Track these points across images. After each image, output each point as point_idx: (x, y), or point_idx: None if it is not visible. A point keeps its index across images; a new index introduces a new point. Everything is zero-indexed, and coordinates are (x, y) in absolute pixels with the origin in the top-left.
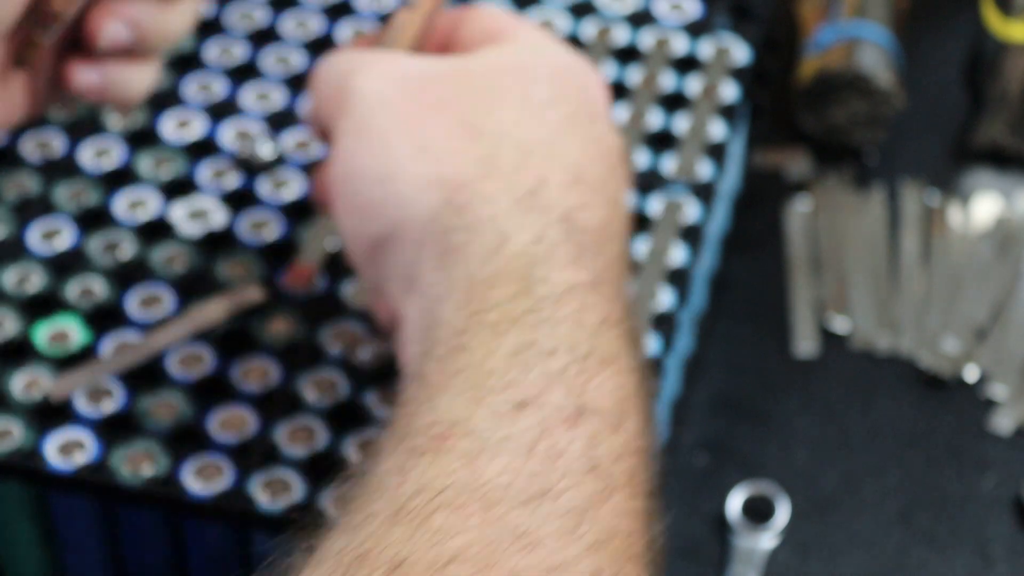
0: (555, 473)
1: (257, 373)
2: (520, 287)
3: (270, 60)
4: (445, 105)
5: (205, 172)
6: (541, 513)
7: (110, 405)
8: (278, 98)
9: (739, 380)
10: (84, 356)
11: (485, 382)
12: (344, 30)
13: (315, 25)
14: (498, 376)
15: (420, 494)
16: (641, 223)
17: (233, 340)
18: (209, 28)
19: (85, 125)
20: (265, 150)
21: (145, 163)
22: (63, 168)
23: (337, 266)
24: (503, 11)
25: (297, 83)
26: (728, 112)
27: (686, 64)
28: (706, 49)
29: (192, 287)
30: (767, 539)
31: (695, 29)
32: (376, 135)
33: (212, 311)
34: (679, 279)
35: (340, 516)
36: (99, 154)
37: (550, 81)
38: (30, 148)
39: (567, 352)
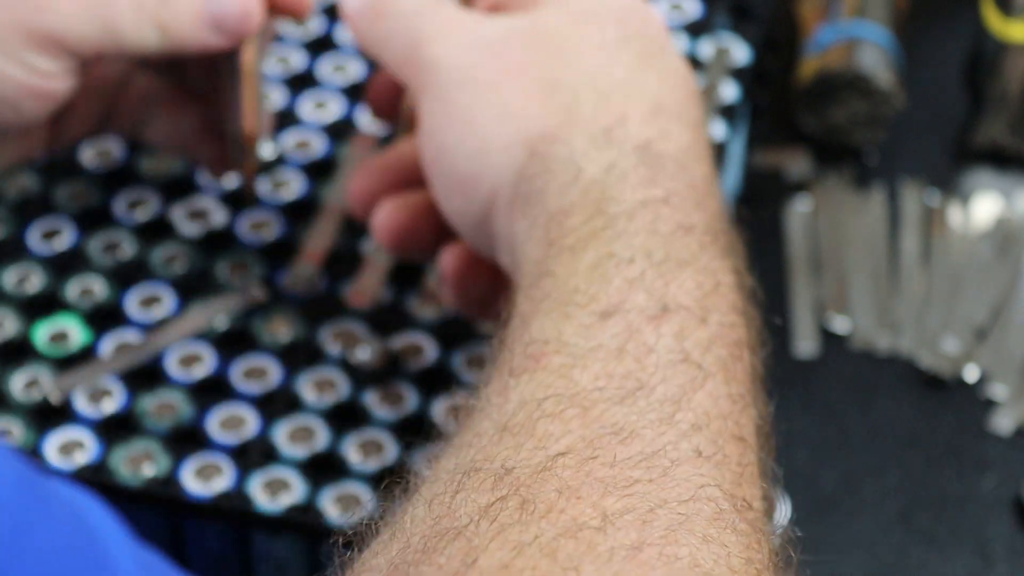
0: (647, 369)
1: (257, 373)
2: (594, 210)
3: (270, 60)
4: (522, 66)
5: (205, 172)
6: (638, 407)
7: (110, 405)
8: (278, 98)
9: None
10: (84, 356)
11: (571, 299)
12: (344, 30)
13: (315, 26)
14: (582, 291)
15: (522, 409)
16: None
17: (233, 340)
18: None
19: None
20: (265, 150)
21: (145, 163)
22: (63, 168)
23: (337, 266)
24: None
25: (297, 83)
26: (728, 112)
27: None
28: (706, 49)
29: (192, 287)
30: None
31: (695, 29)
32: (461, 111)
33: (212, 311)
34: None
35: (452, 438)
36: (99, 154)
37: (617, 23)
38: None
39: (644, 258)
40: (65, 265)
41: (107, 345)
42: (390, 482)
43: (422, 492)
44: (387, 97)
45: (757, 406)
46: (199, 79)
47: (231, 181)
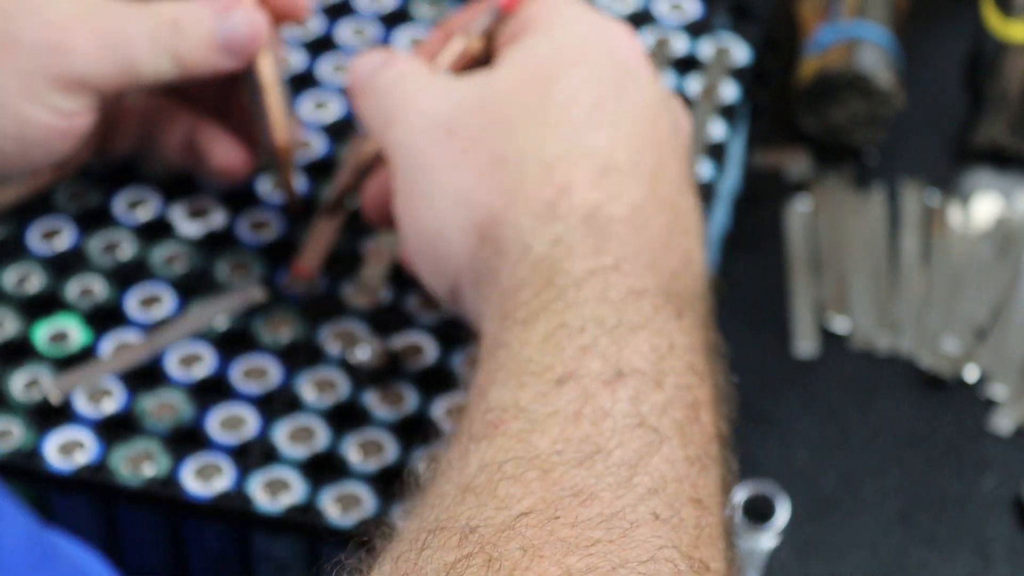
0: (603, 433)
1: (257, 373)
2: (544, 283)
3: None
4: (473, 143)
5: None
6: (596, 470)
7: (110, 405)
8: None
9: (739, 380)
10: (84, 356)
11: (526, 368)
12: (344, 30)
13: (315, 26)
14: (536, 361)
15: (483, 471)
16: None
17: (233, 340)
18: None
19: None
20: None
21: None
22: None
23: (337, 266)
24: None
25: (296, 83)
26: (728, 112)
27: (686, 64)
28: (706, 49)
29: (192, 287)
30: (767, 539)
31: (695, 29)
32: (420, 195)
33: (212, 311)
34: None
35: (415, 503)
36: None
37: (572, 71)
38: None
39: (595, 326)
40: (65, 265)
41: (107, 345)
42: (358, 540)
43: (388, 550)
44: (379, 204)
45: (718, 466)
46: (197, 92)
47: (276, 195)
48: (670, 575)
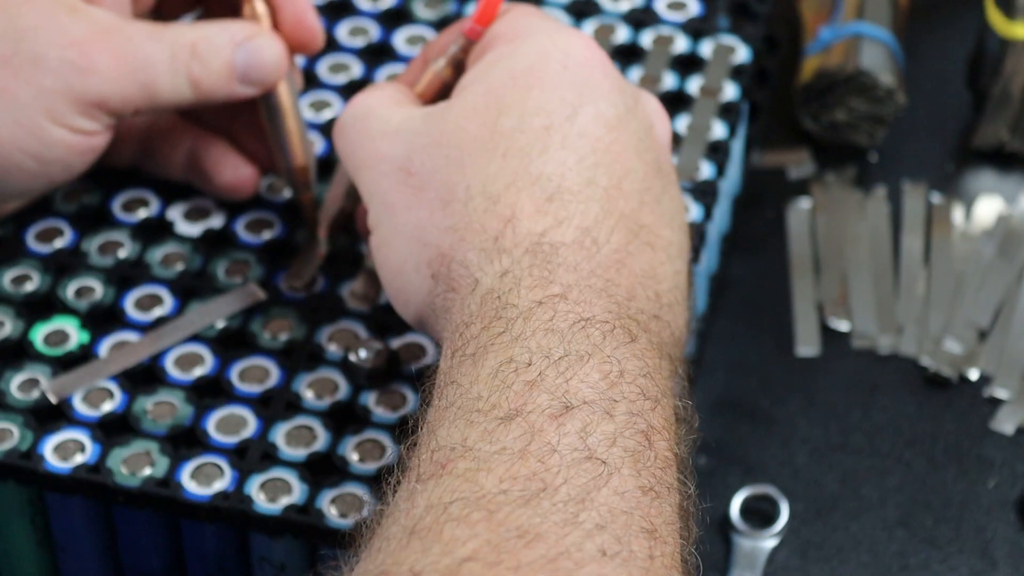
0: (550, 470)
1: (256, 373)
2: (492, 317)
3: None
4: (426, 182)
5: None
6: (542, 508)
7: (108, 406)
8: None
9: (740, 380)
10: (83, 357)
11: (474, 406)
12: (343, 30)
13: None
14: (484, 398)
15: (429, 513)
16: None
17: (233, 340)
18: None
19: None
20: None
21: None
22: None
23: (337, 266)
24: (510, 15)
25: None
26: (729, 112)
27: (686, 64)
28: (706, 48)
29: (191, 287)
30: (768, 540)
31: (695, 29)
32: (386, 235)
33: (211, 311)
34: None
35: (361, 546)
36: None
37: (523, 96)
38: None
39: (542, 359)
40: (64, 266)
41: (106, 346)
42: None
43: None
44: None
45: (673, 493)
46: (201, 109)
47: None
48: None
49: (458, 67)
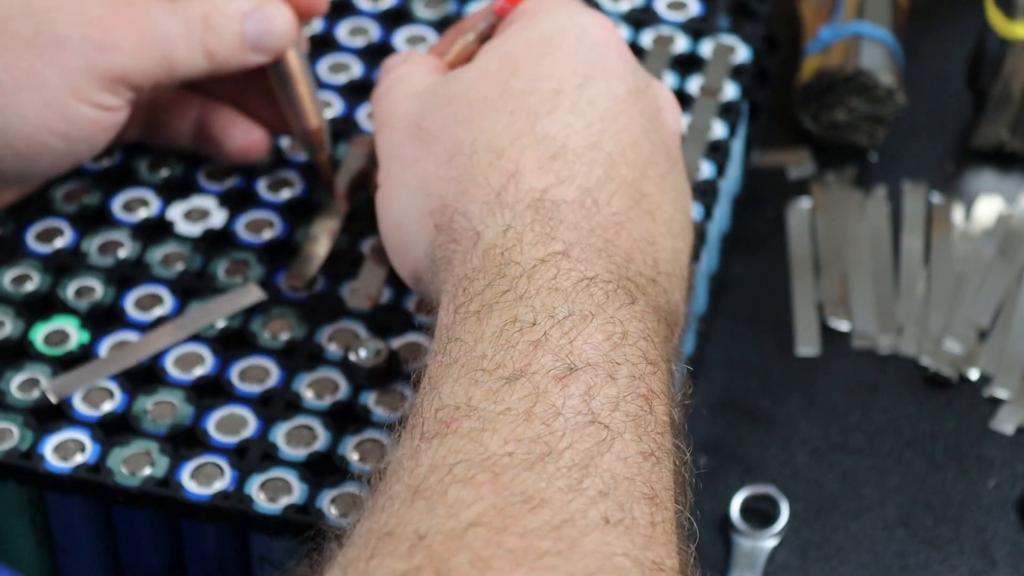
0: (555, 433)
1: (256, 373)
2: (495, 274)
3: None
4: (435, 136)
5: (204, 172)
6: (546, 473)
7: (108, 405)
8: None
9: (740, 380)
10: (83, 357)
11: (478, 364)
12: (343, 30)
13: (315, 26)
14: (488, 357)
15: (433, 473)
16: None
17: (232, 340)
18: None
19: None
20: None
21: (144, 163)
22: None
23: (337, 266)
24: None
25: None
26: (729, 111)
27: (686, 63)
28: (706, 48)
29: (191, 287)
30: (768, 540)
31: (695, 28)
32: (391, 187)
33: (211, 311)
34: None
35: (364, 503)
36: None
37: (537, 62)
38: None
39: (547, 319)
40: (64, 265)
41: (106, 346)
42: (307, 547)
43: (338, 557)
44: None
45: (671, 457)
46: (211, 81)
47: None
48: None
49: (485, 41)
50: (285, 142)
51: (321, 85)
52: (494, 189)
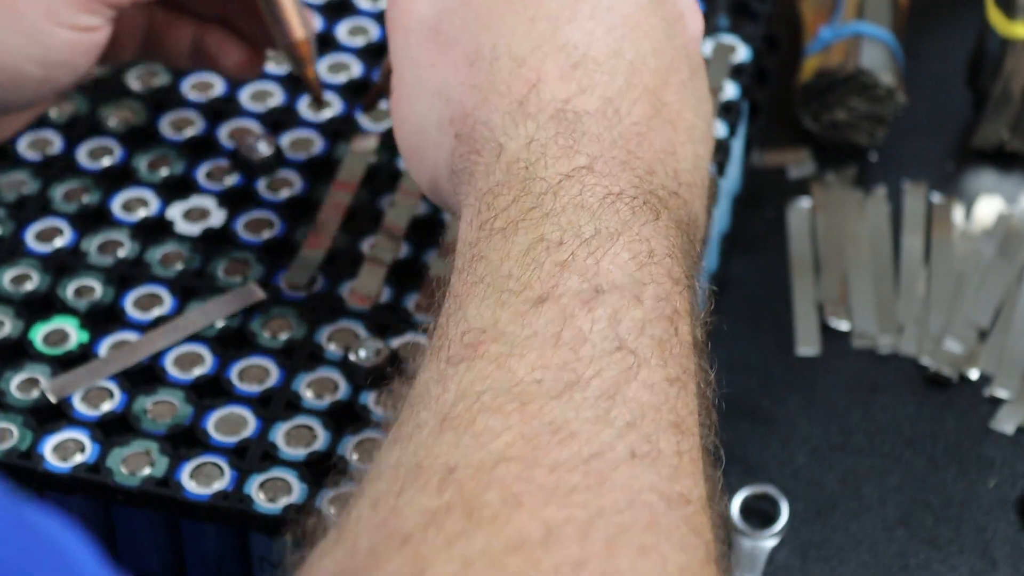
0: (582, 360)
1: (256, 373)
2: (520, 189)
3: (268, 60)
4: (453, 41)
5: (204, 172)
6: (574, 403)
7: (108, 405)
8: (277, 98)
9: (740, 380)
10: (82, 356)
11: (505, 285)
12: (343, 30)
13: (316, 25)
14: (515, 277)
15: (461, 400)
16: None
17: (232, 340)
18: None
19: (83, 124)
20: (263, 148)
21: (143, 162)
22: (61, 167)
23: (337, 266)
24: None
25: (297, 82)
26: (729, 111)
27: None
28: (706, 48)
29: (191, 287)
30: (768, 540)
31: None
32: (408, 92)
33: (211, 311)
34: None
35: (390, 425)
36: (97, 153)
37: None
38: (27, 147)
39: (573, 237)
40: (63, 265)
41: (106, 346)
42: (328, 472)
43: (366, 490)
44: None
45: (695, 379)
46: (196, 2)
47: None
48: (647, 521)
49: None
50: (272, 64)
51: (321, 85)
52: (516, 98)
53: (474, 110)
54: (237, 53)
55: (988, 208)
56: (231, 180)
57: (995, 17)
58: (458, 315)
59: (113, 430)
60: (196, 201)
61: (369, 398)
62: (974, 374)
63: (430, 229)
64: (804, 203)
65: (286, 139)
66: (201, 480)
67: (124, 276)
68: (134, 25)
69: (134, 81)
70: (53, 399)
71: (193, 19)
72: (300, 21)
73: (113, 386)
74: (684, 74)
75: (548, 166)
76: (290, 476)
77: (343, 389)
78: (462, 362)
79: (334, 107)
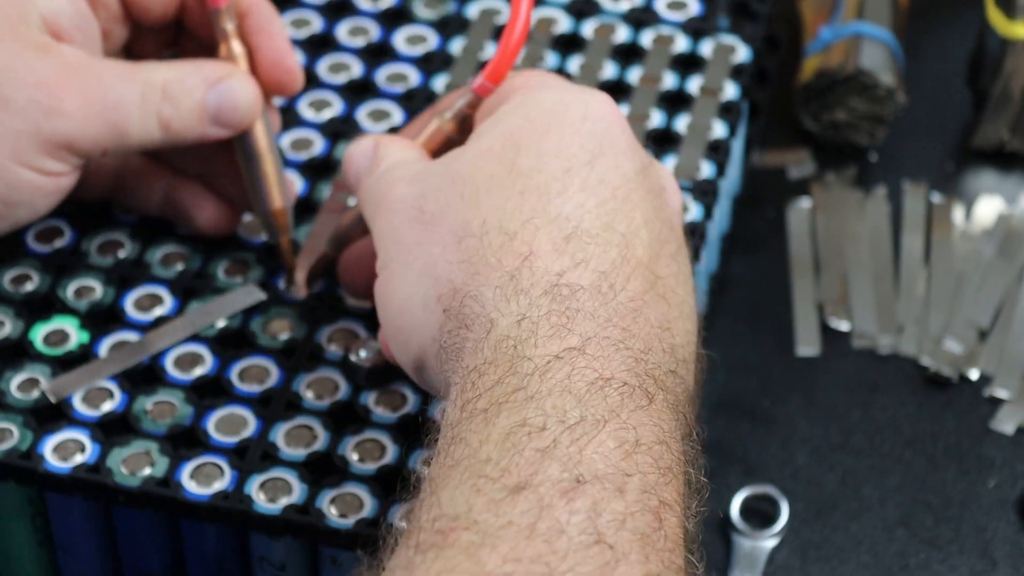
0: (557, 552)
1: (256, 373)
2: (507, 368)
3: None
4: (439, 218)
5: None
6: None
7: (108, 406)
8: (277, 98)
9: (740, 380)
10: (82, 357)
11: (482, 470)
12: (343, 30)
13: (315, 25)
14: (493, 463)
15: None
16: None
17: (233, 340)
18: None
19: None
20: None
21: None
22: None
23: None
24: (524, 74)
25: None
26: (729, 111)
27: (686, 63)
28: (706, 48)
29: (191, 287)
30: (768, 540)
31: (695, 28)
32: (393, 271)
33: (211, 312)
34: None
35: None
36: None
37: (542, 138)
38: None
39: (557, 423)
40: (63, 265)
41: (106, 346)
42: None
43: None
44: (355, 274)
45: (683, 573)
46: (177, 152)
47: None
48: None
49: (463, 122)
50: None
51: (321, 85)
52: (508, 271)
53: (464, 285)
54: (211, 210)
55: (988, 208)
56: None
57: (995, 17)
58: (431, 500)
59: (113, 430)
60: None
61: (369, 398)
62: (974, 374)
63: None
64: (804, 203)
65: (286, 139)
66: (201, 480)
67: (124, 276)
68: (104, 171)
69: None
70: (53, 399)
71: (168, 171)
72: (280, 190)
73: (113, 386)
74: (673, 247)
75: (538, 345)
76: (290, 476)
77: (343, 389)
78: (431, 549)
79: (334, 107)
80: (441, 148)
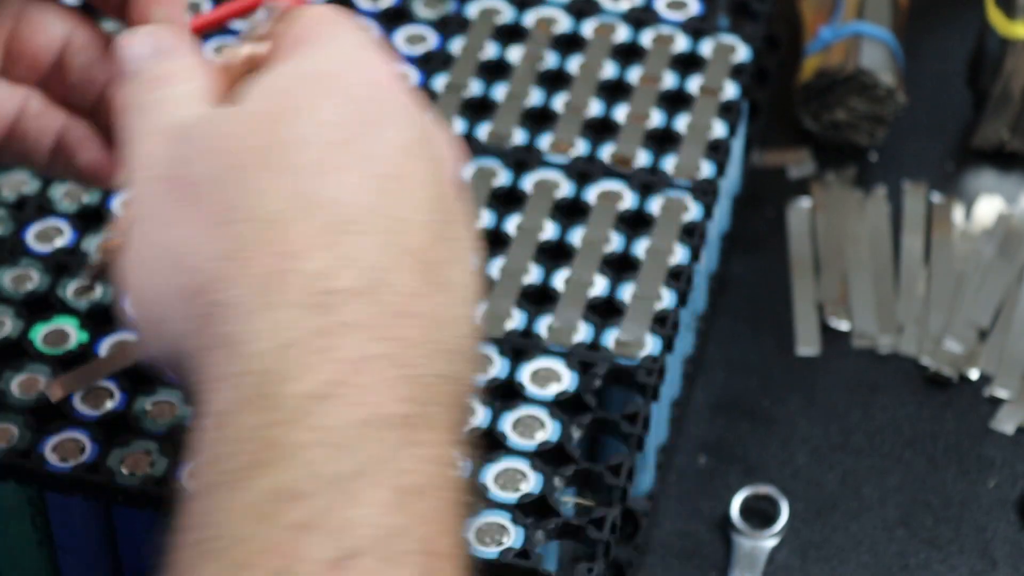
0: None
1: None
2: (258, 417)
3: None
4: (197, 195)
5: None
6: None
7: (108, 405)
8: None
9: (740, 380)
10: (83, 356)
11: (232, 558)
12: None
13: None
14: (244, 544)
15: None
16: (642, 222)
17: None
18: None
19: None
20: None
21: None
22: None
23: None
24: (320, 12)
25: None
26: (729, 111)
27: (686, 63)
28: (706, 48)
29: None
30: (768, 540)
31: (695, 28)
32: (140, 252)
33: None
34: (679, 279)
35: None
36: None
37: (314, 105)
38: None
39: (319, 485)
40: (64, 265)
41: (106, 346)
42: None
43: None
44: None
45: None
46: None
47: None
48: None
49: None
50: None
51: None
52: (265, 272)
53: (215, 284)
54: (96, 152)
55: (988, 208)
56: None
57: (995, 17)
58: None
59: (113, 430)
60: None
61: None
62: (974, 374)
63: None
64: (804, 203)
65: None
66: None
67: None
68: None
69: None
70: (54, 399)
71: (63, 114)
72: None
73: (113, 386)
74: (451, 227)
75: (298, 379)
76: None
77: None
78: None
79: None
80: (244, 74)
